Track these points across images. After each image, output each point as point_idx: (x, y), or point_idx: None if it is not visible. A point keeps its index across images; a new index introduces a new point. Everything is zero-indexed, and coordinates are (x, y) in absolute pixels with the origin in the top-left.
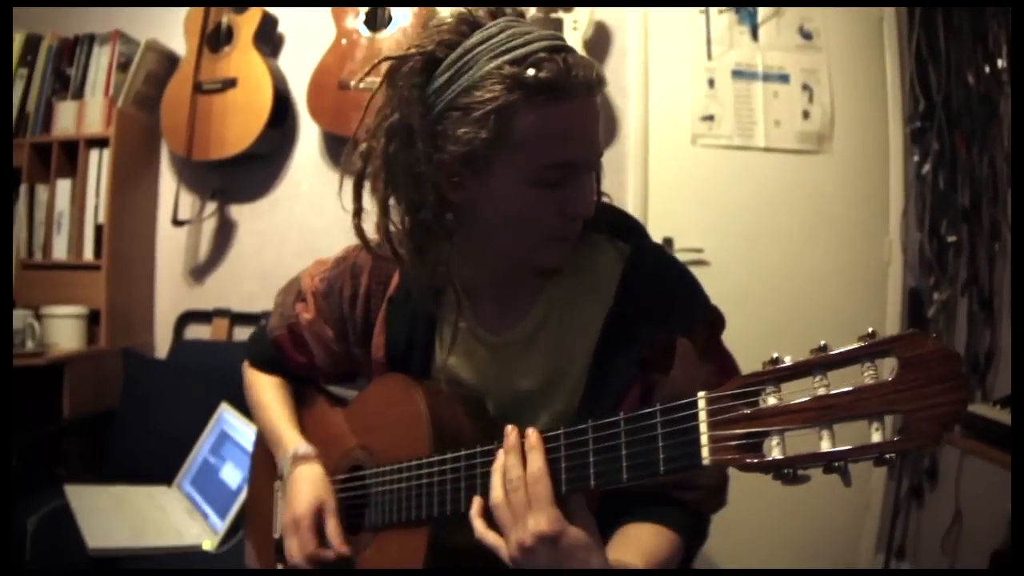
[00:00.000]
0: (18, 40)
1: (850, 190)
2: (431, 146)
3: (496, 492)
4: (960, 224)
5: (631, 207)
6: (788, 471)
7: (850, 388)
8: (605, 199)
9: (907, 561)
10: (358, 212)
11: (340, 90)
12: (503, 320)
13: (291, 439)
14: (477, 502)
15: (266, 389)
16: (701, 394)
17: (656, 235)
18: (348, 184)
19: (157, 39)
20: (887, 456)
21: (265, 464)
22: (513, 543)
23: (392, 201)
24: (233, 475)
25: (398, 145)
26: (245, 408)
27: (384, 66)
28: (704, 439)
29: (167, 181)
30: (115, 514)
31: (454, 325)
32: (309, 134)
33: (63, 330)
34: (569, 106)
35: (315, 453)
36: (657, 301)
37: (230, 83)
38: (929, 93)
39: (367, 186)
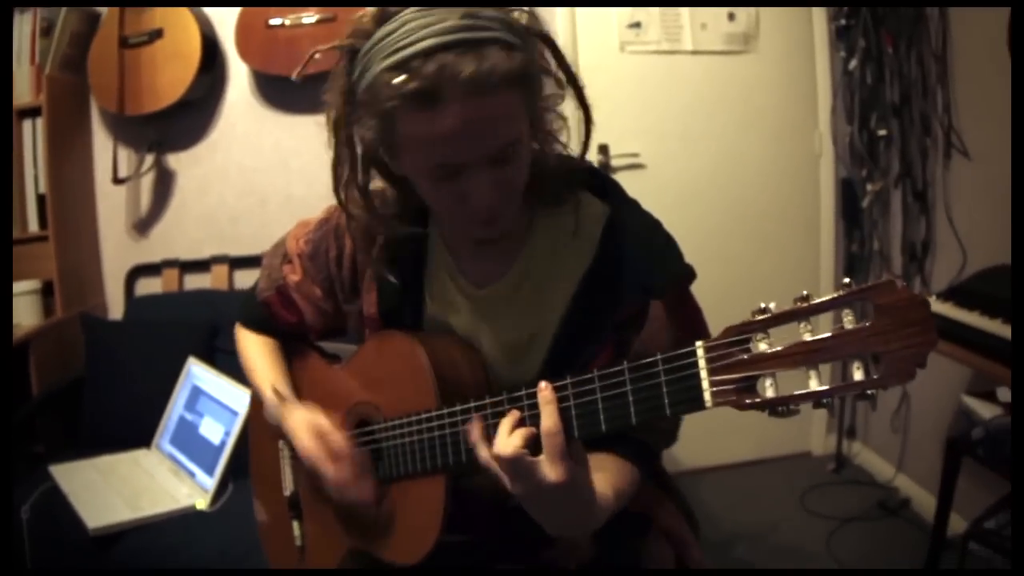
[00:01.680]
0: None
1: (778, 87)
2: (357, 131)
3: (502, 441)
4: (891, 119)
5: None
6: (782, 408)
7: (832, 333)
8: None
9: (858, 440)
10: (337, 177)
11: (267, 29)
12: (485, 274)
13: (273, 392)
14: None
15: (255, 352)
16: (699, 344)
17: (591, 143)
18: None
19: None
20: (868, 392)
21: (265, 423)
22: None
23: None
24: (213, 430)
25: (339, 125)
26: (213, 361)
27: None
28: (705, 384)
29: (101, 140)
30: (106, 488)
31: (440, 279)
32: (239, 75)
33: (20, 308)
34: (445, 110)
35: (292, 398)
36: (635, 261)
37: (156, 34)
38: None
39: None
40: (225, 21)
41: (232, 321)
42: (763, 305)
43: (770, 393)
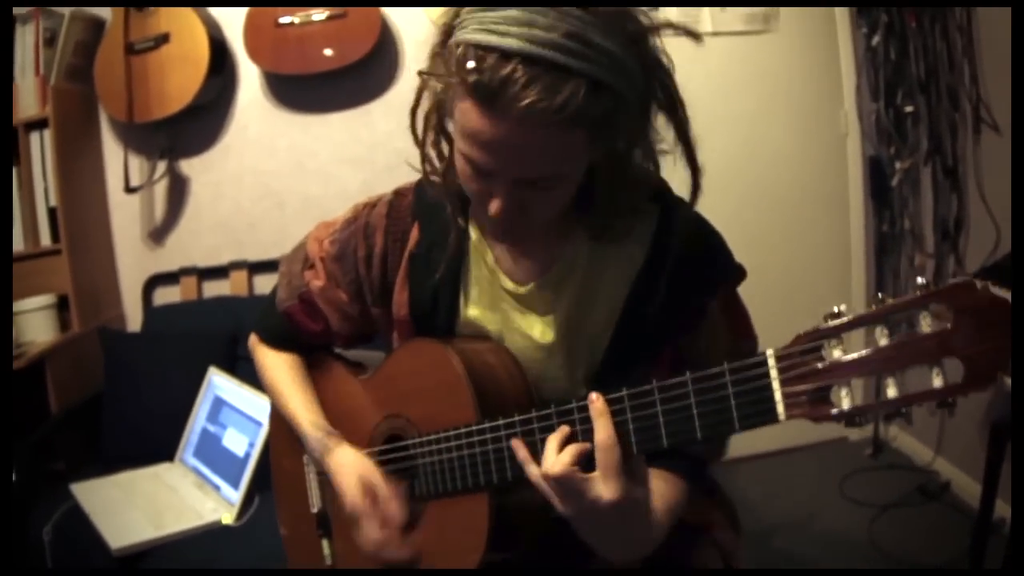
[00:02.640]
0: None
1: (801, 66)
2: (431, 83)
3: (551, 458)
4: (917, 94)
5: None
6: (859, 419)
7: (910, 337)
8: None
9: (895, 423)
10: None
11: (277, 28)
12: (528, 270)
13: (311, 427)
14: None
15: (280, 371)
16: (770, 352)
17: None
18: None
19: (81, 8)
20: (949, 400)
21: (287, 438)
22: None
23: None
24: (237, 441)
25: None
26: (234, 371)
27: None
28: (778, 396)
29: (111, 149)
30: (128, 506)
31: (478, 275)
32: (250, 76)
33: (35, 324)
34: (495, 119)
35: (335, 439)
36: (689, 264)
37: (163, 39)
38: None
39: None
40: (233, 23)
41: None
42: (836, 309)
43: (846, 404)
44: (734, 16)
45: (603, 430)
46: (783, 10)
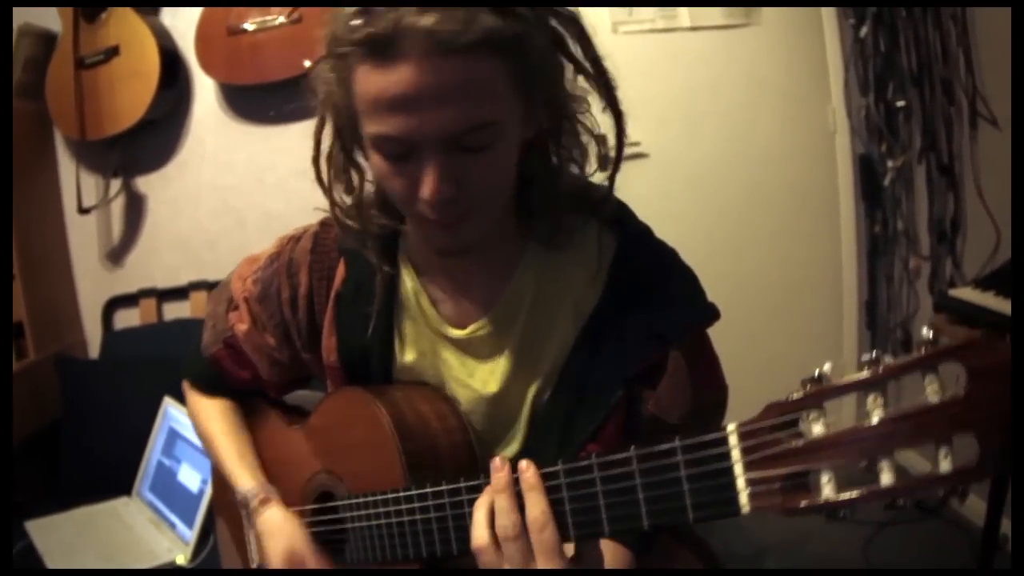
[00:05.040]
0: None
1: (785, 60)
2: (319, 89)
3: (479, 535)
4: (909, 88)
5: None
6: (844, 513)
7: (913, 409)
8: (575, 170)
9: None
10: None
11: (230, 36)
12: (466, 312)
13: (245, 480)
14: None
15: (212, 419)
16: (731, 427)
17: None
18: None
19: (29, 22)
20: (960, 489)
21: (224, 486)
22: None
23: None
24: (191, 477)
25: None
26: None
27: None
28: (741, 483)
29: (67, 167)
30: (81, 545)
31: (412, 318)
32: (204, 88)
33: None
34: (398, 66)
35: (263, 497)
36: (649, 309)
37: (112, 51)
38: None
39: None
40: (185, 33)
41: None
42: (817, 372)
43: (828, 492)
44: (714, 10)
45: (536, 506)
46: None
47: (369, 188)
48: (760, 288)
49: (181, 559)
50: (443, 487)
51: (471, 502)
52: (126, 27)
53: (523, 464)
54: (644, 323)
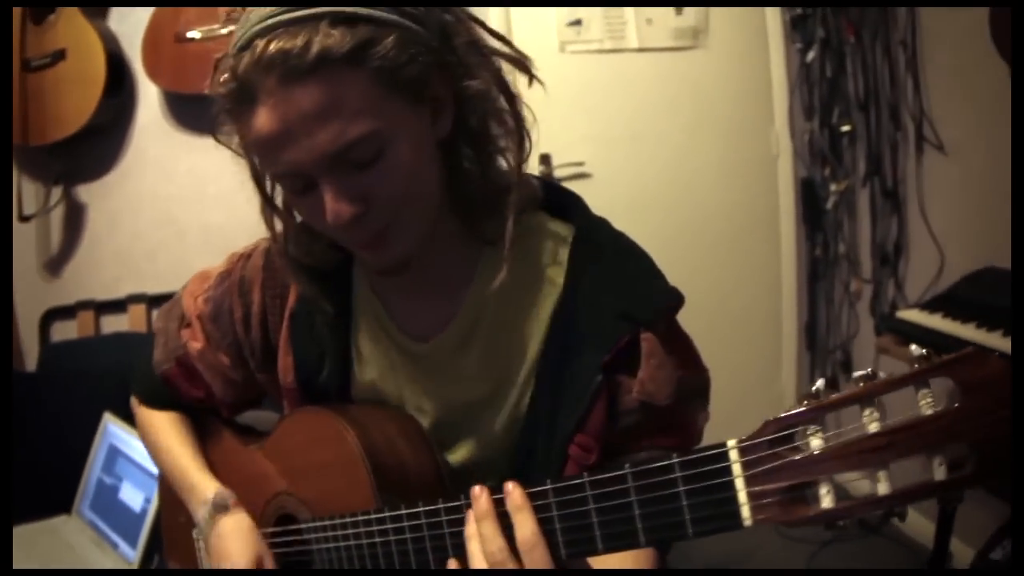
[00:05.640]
0: None
1: (731, 83)
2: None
3: (478, 565)
4: (855, 112)
5: None
6: (843, 522)
7: (908, 421)
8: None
9: None
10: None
11: (177, 43)
12: (427, 324)
13: (204, 485)
14: (452, 564)
15: (163, 430)
16: (731, 443)
17: (532, 153)
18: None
19: None
20: (955, 496)
21: (175, 503)
22: None
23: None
24: (133, 496)
25: None
26: (131, 416)
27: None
28: (742, 496)
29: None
30: (22, 565)
31: (370, 335)
32: (149, 96)
33: None
34: (258, 109)
35: (235, 499)
36: (614, 291)
37: (59, 55)
38: None
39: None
40: (133, 38)
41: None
42: (814, 388)
43: (827, 503)
44: (662, 32)
45: (525, 525)
46: (713, 25)
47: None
48: (700, 309)
49: None
50: (420, 508)
51: (451, 523)
52: (74, 30)
53: (508, 486)
54: (610, 306)
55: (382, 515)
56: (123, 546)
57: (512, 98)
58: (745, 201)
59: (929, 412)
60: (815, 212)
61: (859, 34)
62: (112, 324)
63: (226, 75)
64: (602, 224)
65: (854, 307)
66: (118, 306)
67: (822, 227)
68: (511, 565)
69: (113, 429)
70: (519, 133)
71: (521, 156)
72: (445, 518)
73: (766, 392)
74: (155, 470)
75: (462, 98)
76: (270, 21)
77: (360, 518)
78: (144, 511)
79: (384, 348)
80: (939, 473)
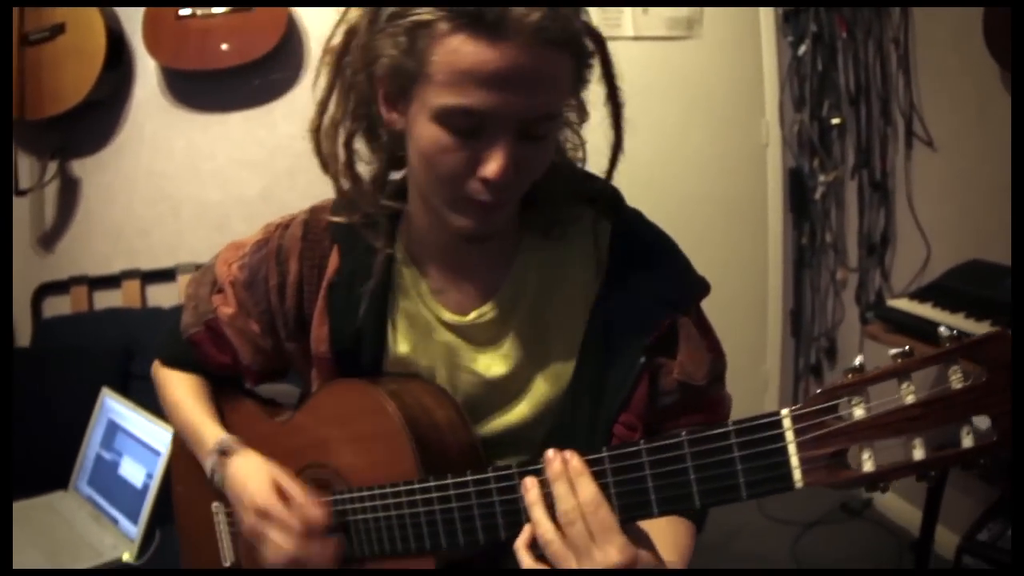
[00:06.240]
0: None
1: (723, 74)
2: (366, 58)
3: (544, 528)
4: (845, 106)
5: None
6: (882, 484)
7: (941, 393)
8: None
9: None
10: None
11: (178, 20)
12: (467, 297)
13: (211, 434)
14: (526, 532)
15: (180, 387)
16: (785, 412)
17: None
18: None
19: None
20: (981, 461)
21: (192, 476)
22: None
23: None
24: (134, 471)
25: (344, 49)
26: (128, 389)
27: None
28: (794, 460)
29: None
30: (22, 541)
31: (409, 307)
32: (147, 72)
33: None
34: (503, 46)
35: (239, 443)
36: (654, 280)
37: (58, 29)
38: None
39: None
40: (132, 14)
41: (148, 356)
42: (857, 362)
43: (869, 467)
44: (657, 21)
45: (586, 489)
46: (707, 17)
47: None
48: None
49: (127, 556)
50: (468, 477)
51: (500, 491)
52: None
53: (567, 454)
54: (651, 292)
55: (427, 484)
56: (123, 521)
57: (618, 108)
58: (734, 188)
59: (959, 387)
60: (803, 201)
61: (851, 30)
62: (105, 300)
63: None
64: (638, 215)
65: (839, 295)
66: (111, 281)
67: (809, 216)
68: (580, 526)
69: (111, 404)
70: (617, 138)
71: (616, 160)
72: (495, 486)
73: (751, 376)
74: (157, 445)
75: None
76: None
77: (403, 488)
78: (146, 487)
79: (419, 321)
80: (967, 441)
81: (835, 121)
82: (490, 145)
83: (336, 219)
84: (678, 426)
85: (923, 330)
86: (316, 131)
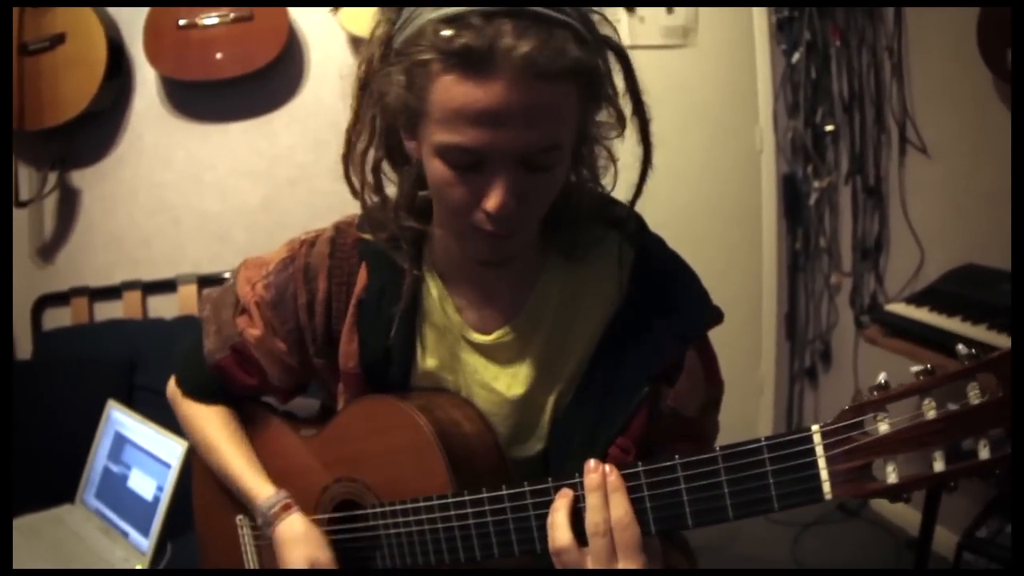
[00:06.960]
0: None
1: (718, 81)
2: (380, 91)
3: (562, 534)
4: (839, 113)
5: None
6: (906, 495)
7: (960, 409)
8: (601, 189)
9: None
10: (350, 145)
11: (178, 30)
12: (491, 317)
13: (257, 490)
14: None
15: (212, 425)
16: (815, 428)
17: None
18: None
19: None
20: (996, 472)
21: (214, 491)
22: None
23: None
24: (144, 484)
25: (367, 80)
26: (132, 400)
27: None
28: (824, 474)
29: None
30: (32, 556)
31: (436, 324)
32: (147, 82)
33: None
34: (492, 83)
35: (287, 501)
36: (671, 310)
37: (58, 39)
38: None
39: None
40: (132, 24)
41: (152, 369)
42: (881, 380)
43: (893, 479)
44: (653, 30)
45: (620, 506)
46: (702, 25)
47: (393, 191)
48: None
49: (140, 567)
50: (503, 492)
51: (536, 505)
52: (73, 14)
53: (607, 467)
54: (665, 325)
55: (461, 499)
56: (134, 534)
57: (646, 124)
58: (729, 194)
59: (976, 402)
60: (796, 207)
61: (845, 38)
62: (106, 311)
63: (454, 30)
64: (660, 242)
65: (834, 299)
66: (112, 293)
67: (803, 221)
68: (606, 540)
69: (118, 417)
70: (647, 153)
71: (637, 196)
72: (531, 500)
73: (746, 381)
74: (167, 458)
75: (595, 124)
76: (524, 8)
77: (436, 502)
78: (156, 499)
79: (446, 338)
80: (984, 453)
81: (829, 128)
82: (491, 179)
83: (364, 236)
84: (665, 449)
85: (921, 334)
86: (345, 158)
